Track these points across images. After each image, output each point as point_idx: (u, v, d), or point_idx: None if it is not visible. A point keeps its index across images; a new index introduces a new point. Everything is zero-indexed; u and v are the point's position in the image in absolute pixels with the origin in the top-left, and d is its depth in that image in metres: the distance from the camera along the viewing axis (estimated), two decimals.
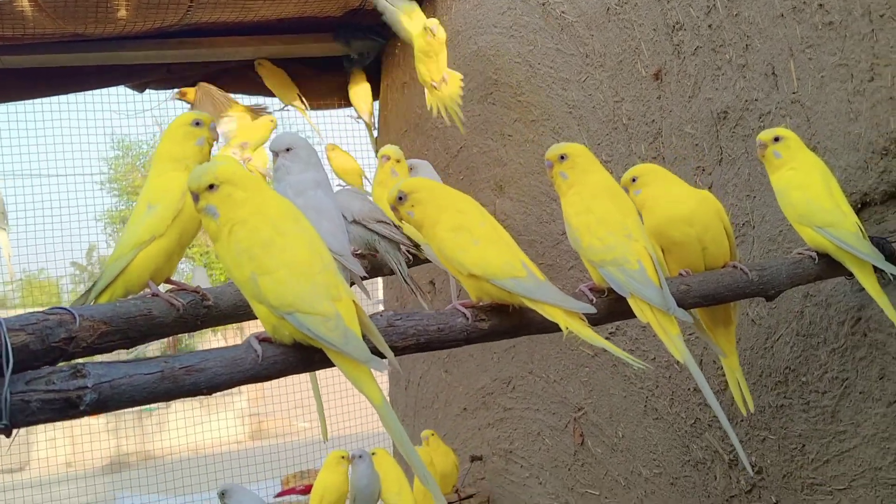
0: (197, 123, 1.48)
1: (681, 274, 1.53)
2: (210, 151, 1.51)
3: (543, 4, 2.59)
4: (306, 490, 4.19)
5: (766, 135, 1.61)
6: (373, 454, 2.79)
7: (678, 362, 2.13)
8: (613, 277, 1.38)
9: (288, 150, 1.57)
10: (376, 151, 4.20)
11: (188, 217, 1.43)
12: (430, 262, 2.11)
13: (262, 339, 1.15)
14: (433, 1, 3.35)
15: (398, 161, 2.29)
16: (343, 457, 2.74)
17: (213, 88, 3.52)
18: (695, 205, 1.58)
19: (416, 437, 3.71)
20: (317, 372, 1.43)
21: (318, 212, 1.48)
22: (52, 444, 7.92)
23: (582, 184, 1.51)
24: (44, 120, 4.19)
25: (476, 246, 1.35)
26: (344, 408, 4.50)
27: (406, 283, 1.86)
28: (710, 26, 1.97)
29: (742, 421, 1.98)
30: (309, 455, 4.83)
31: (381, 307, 4.48)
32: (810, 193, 1.54)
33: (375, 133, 4.08)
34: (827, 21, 1.67)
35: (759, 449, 1.93)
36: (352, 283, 1.61)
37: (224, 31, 3.48)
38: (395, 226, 1.91)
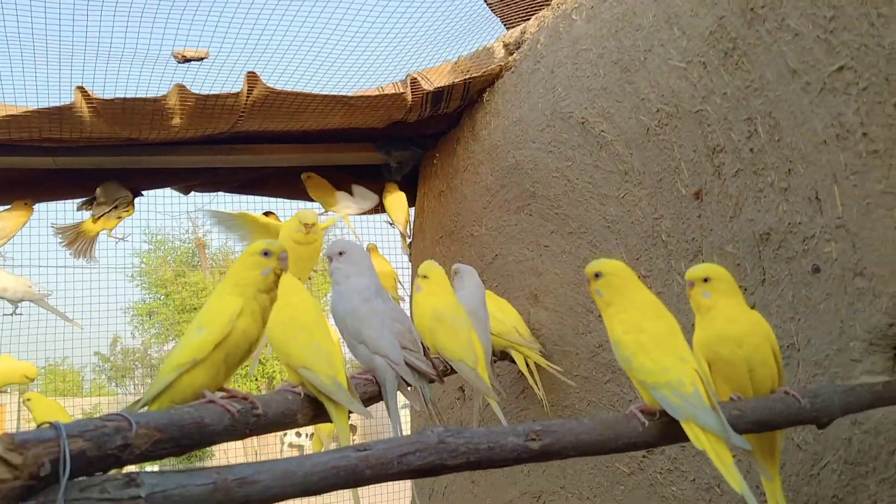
0: (265, 253, 1.49)
1: (731, 398, 1.50)
2: (276, 281, 1.51)
3: (583, 123, 2.68)
4: None
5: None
6: None
7: (716, 487, 2.07)
8: (668, 401, 1.35)
9: (341, 253, 1.62)
10: (409, 257, 4.26)
11: (235, 341, 1.43)
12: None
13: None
14: (472, 118, 3.47)
15: (424, 277, 2.31)
16: None
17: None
18: (748, 327, 1.57)
19: None
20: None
21: (381, 322, 1.51)
22: None
23: (623, 301, 1.52)
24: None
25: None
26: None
27: (427, 408, 1.81)
28: (751, 150, 2.02)
29: None
30: None
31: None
32: None
33: (409, 240, 4.15)
34: (872, 149, 1.70)
35: None
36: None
37: (271, 140, 3.61)
38: (424, 350, 1.88)
